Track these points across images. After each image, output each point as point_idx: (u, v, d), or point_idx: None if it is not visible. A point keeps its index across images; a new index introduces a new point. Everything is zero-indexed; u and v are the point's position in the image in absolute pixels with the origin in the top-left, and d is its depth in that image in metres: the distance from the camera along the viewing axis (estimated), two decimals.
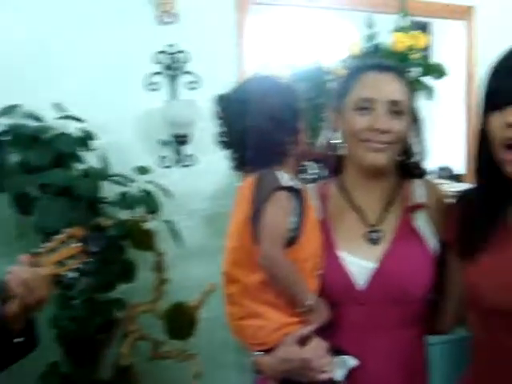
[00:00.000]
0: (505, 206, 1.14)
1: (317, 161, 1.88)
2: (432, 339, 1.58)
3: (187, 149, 2.12)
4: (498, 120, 1.04)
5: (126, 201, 1.84)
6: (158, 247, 1.89)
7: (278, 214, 1.14)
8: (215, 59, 2.14)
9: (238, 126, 1.20)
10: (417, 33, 1.92)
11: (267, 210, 1.13)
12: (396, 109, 1.20)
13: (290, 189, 1.15)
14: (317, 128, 1.97)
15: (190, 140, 2.08)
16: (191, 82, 2.12)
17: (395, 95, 1.21)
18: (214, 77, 2.01)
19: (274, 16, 2.28)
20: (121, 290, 1.88)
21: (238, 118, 1.20)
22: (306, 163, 1.86)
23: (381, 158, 1.21)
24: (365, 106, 1.21)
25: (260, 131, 1.17)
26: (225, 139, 1.25)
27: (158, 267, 1.91)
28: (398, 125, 1.20)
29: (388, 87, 1.22)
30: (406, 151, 1.33)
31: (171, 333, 1.89)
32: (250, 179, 1.19)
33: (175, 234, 1.91)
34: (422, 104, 1.86)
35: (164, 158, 2.12)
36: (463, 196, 1.25)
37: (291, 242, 1.15)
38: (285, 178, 1.16)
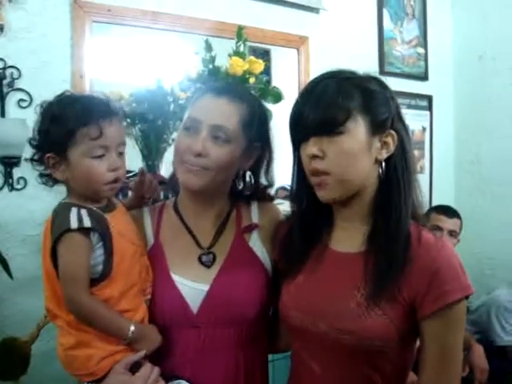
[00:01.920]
0: (321, 228, 1.19)
1: (160, 183, 1.85)
2: (274, 355, 1.61)
3: (17, 171, 1.96)
4: (304, 151, 1.09)
5: None
6: None
7: (70, 257, 1.08)
8: (48, 77, 2.02)
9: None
10: (253, 58, 1.98)
11: (59, 253, 1.08)
12: (219, 134, 1.18)
13: (79, 229, 1.08)
14: (157, 150, 1.95)
15: (20, 162, 1.93)
16: (22, 100, 1.98)
17: (219, 120, 1.18)
18: (47, 95, 1.89)
19: (114, 36, 2.22)
20: None
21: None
22: None
23: (195, 181, 1.19)
24: (191, 126, 1.19)
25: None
26: None
27: None
28: (218, 151, 1.18)
29: (215, 111, 1.20)
30: (244, 177, 1.35)
31: (0, 373, 1.72)
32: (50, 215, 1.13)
33: (4, 263, 1.76)
34: None
35: None
36: (291, 216, 1.29)
37: (101, 277, 1.11)
38: (74, 217, 1.09)
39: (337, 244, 1.16)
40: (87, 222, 1.09)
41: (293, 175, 1.20)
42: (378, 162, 1.09)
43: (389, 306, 1.03)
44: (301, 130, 1.09)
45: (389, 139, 1.08)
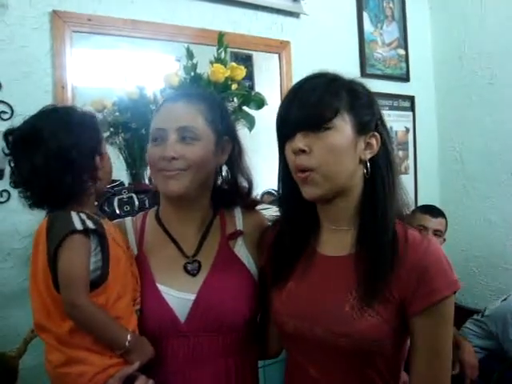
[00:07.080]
0: (308, 232, 1.19)
1: (142, 192, 1.84)
2: (265, 361, 1.61)
3: (0, 184, 1.93)
4: (290, 146, 1.09)
5: None
6: None
7: (74, 259, 1.07)
8: (29, 88, 2.01)
9: (25, 164, 1.11)
10: (234, 64, 1.98)
11: (62, 256, 1.07)
12: (188, 135, 1.19)
13: (84, 231, 1.09)
14: (141, 159, 1.94)
15: (2, 175, 1.90)
16: (3, 112, 1.96)
17: (183, 121, 1.20)
18: (28, 108, 1.86)
19: (95, 45, 2.21)
20: None
21: (24, 155, 1.12)
22: (128, 195, 1.81)
23: (176, 185, 1.19)
24: (157, 137, 1.21)
25: (47, 170, 1.10)
26: (15, 177, 1.16)
27: None
28: (190, 151, 1.19)
29: (176, 115, 1.21)
30: (223, 179, 1.34)
31: None
32: (44, 222, 1.12)
33: None
34: (246, 132, 1.93)
35: None
36: (277, 221, 1.29)
37: (98, 283, 1.11)
38: (77, 219, 1.10)
39: (325, 248, 1.17)
40: (90, 224, 1.11)
41: (279, 178, 1.21)
42: (362, 162, 1.10)
43: (381, 307, 1.04)
44: (287, 127, 1.09)
45: (372, 140, 1.10)
